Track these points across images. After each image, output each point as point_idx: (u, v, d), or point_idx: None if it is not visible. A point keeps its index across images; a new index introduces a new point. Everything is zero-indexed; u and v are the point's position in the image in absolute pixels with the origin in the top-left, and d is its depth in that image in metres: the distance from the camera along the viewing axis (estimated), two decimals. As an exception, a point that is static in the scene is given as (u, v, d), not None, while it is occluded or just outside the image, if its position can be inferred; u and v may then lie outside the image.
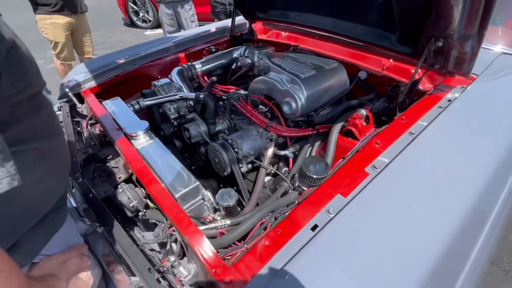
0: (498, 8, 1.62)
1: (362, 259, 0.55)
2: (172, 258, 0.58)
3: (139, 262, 0.62)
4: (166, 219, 0.70)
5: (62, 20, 2.52)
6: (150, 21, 5.51)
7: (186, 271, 0.59)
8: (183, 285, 0.62)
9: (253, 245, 0.61)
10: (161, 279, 0.59)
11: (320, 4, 1.32)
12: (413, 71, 1.07)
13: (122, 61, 1.37)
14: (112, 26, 5.75)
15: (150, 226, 0.98)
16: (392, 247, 0.56)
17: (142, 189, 0.83)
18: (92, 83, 1.29)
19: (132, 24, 5.71)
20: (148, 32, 5.40)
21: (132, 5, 5.46)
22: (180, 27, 3.29)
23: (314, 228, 0.60)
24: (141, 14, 5.52)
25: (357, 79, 1.24)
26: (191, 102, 1.23)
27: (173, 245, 0.71)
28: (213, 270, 0.56)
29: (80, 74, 1.31)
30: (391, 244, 0.56)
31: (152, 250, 0.81)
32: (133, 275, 0.65)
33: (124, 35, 5.31)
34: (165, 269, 0.64)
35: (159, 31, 5.29)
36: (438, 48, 0.91)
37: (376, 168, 0.72)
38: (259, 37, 1.65)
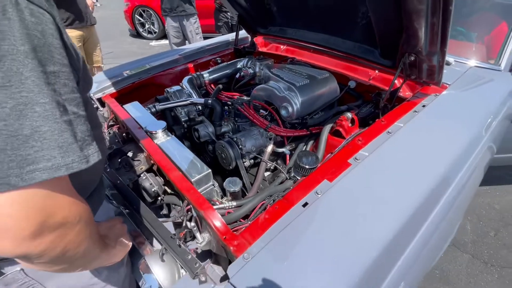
0: (474, 26, 1.81)
1: (341, 227, 0.69)
2: (192, 224, 0.72)
3: (162, 232, 0.76)
4: (183, 200, 0.84)
5: (74, 33, 2.71)
6: (155, 32, 5.76)
7: (201, 238, 0.73)
8: (197, 252, 0.76)
9: (255, 218, 0.75)
10: (181, 244, 0.73)
11: (314, 22, 1.50)
12: (397, 82, 1.24)
13: (128, 72, 1.53)
14: (119, 37, 6.00)
15: (161, 216, 1.12)
16: (366, 219, 0.70)
17: (161, 177, 0.98)
18: (112, 89, 1.45)
19: (138, 35, 5.96)
20: (154, 43, 5.64)
21: (138, 17, 5.72)
22: (185, 38, 3.49)
23: (305, 205, 0.74)
24: (146, 26, 5.77)
25: (347, 87, 1.40)
26: (200, 107, 1.39)
27: (188, 223, 0.85)
28: (224, 237, 0.70)
29: (100, 81, 1.47)
30: (364, 216, 0.71)
31: (168, 231, 0.94)
32: (157, 245, 0.78)
33: (131, 46, 5.54)
34: (182, 241, 0.79)
35: (164, 41, 5.54)
36: (412, 62, 1.07)
37: (357, 159, 0.87)
38: (260, 50, 1.83)
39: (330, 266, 0.62)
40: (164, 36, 5.67)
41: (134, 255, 0.91)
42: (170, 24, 3.32)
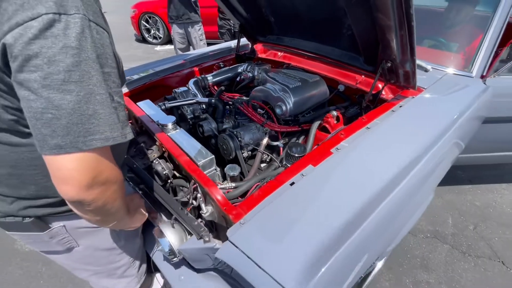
0: (456, 37, 1.96)
1: (319, 200, 0.84)
2: (199, 195, 0.87)
3: (173, 205, 0.91)
4: (190, 181, 1.00)
5: None
6: (160, 38, 5.98)
7: (206, 210, 0.88)
8: (201, 221, 0.91)
9: (251, 195, 0.90)
10: (189, 214, 0.88)
11: (307, 32, 1.67)
12: (380, 85, 1.40)
13: (130, 77, 1.69)
14: (125, 41, 6.21)
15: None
16: (339, 194, 0.86)
17: (171, 163, 1.13)
18: (125, 89, 1.62)
19: (143, 40, 6.18)
20: (158, 48, 5.85)
21: (144, 23, 5.95)
22: (189, 44, 3.69)
23: (292, 184, 0.90)
24: (152, 31, 6.00)
25: (336, 90, 1.57)
26: (204, 106, 1.55)
27: (193, 201, 1.00)
28: (224, 208, 0.85)
29: (115, 82, 1.64)
30: (338, 192, 0.86)
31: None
32: (168, 217, 0.93)
33: (136, 50, 5.75)
34: (189, 213, 0.94)
35: (168, 47, 5.75)
36: (389, 68, 1.24)
37: (338, 149, 1.02)
38: (259, 56, 2.00)
39: (306, 229, 0.77)
40: (168, 41, 5.89)
41: (148, 232, 1.07)
42: (176, 30, 3.51)
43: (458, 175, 2.32)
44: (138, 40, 6.35)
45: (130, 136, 0.61)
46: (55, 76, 0.47)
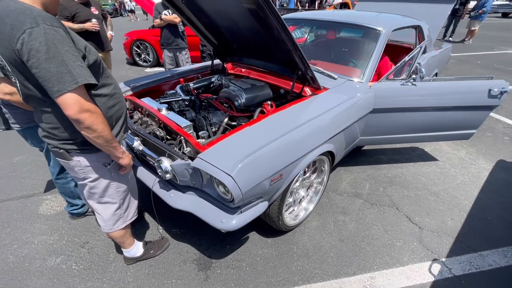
0: (359, 59, 2.82)
1: (255, 136, 1.54)
2: (182, 138, 1.55)
3: (167, 147, 1.58)
4: (177, 136, 1.68)
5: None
6: (150, 61, 6.76)
7: (187, 149, 1.56)
8: (186, 155, 1.58)
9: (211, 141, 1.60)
10: (178, 150, 1.55)
11: (257, 54, 2.47)
12: (307, 90, 2.18)
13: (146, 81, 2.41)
14: (118, 64, 6.94)
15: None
16: (259, 133, 1.56)
17: (164, 131, 1.81)
18: (130, 92, 2.31)
19: (134, 63, 6.93)
20: (148, 70, 6.61)
21: (136, 48, 6.75)
22: (177, 66, 4.45)
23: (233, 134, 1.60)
24: (143, 56, 6.78)
25: (278, 92, 2.34)
26: (187, 102, 2.26)
27: (180, 146, 1.67)
28: (196, 146, 1.53)
29: (122, 87, 2.33)
30: (259, 132, 1.57)
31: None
32: (164, 155, 1.59)
33: (128, 71, 6.47)
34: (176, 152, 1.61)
35: (157, 69, 6.52)
36: (301, 74, 2.02)
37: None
38: (229, 71, 2.78)
39: (238, 148, 1.46)
40: (157, 64, 6.69)
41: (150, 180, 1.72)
42: (167, 54, 4.29)
43: (380, 158, 3.11)
44: (129, 63, 7.11)
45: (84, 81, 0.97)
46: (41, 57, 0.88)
